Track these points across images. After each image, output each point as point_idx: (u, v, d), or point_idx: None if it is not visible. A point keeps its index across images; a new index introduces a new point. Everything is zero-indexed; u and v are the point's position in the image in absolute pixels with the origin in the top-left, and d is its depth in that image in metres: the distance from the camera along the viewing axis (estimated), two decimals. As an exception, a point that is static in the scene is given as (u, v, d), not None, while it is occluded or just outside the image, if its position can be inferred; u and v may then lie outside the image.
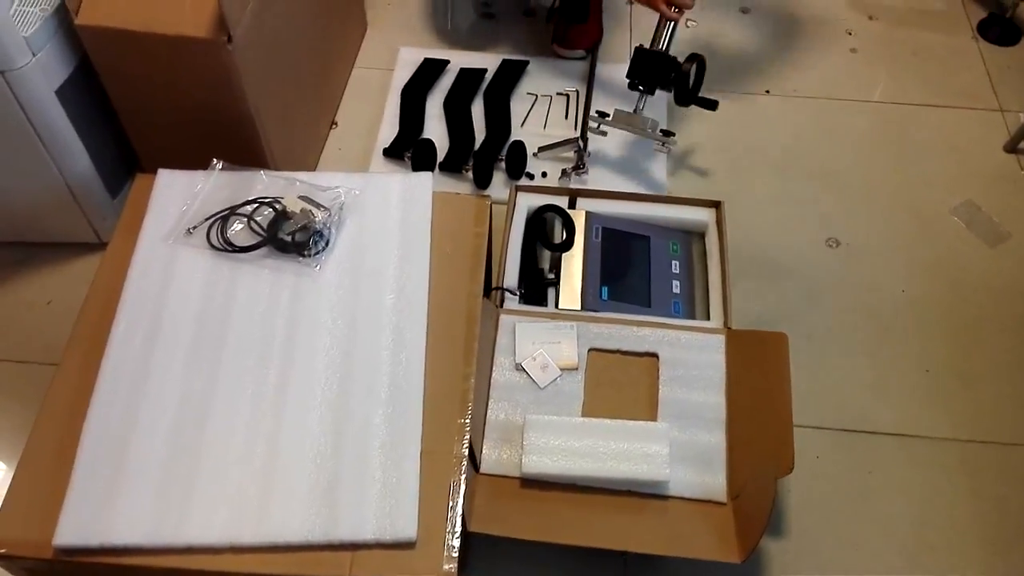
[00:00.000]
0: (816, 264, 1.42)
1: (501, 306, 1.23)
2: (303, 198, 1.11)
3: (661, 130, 1.47)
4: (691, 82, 1.42)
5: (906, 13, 1.84)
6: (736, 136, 1.60)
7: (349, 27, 1.68)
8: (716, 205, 1.35)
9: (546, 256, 1.34)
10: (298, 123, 1.41)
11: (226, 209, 1.11)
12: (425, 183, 1.17)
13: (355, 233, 1.10)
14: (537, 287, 1.28)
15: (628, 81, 1.44)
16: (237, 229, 1.09)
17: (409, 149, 1.51)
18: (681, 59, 1.40)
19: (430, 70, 1.66)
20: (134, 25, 1.09)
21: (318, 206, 1.10)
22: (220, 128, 1.23)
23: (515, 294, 1.24)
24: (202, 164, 1.30)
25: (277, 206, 1.10)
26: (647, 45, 1.41)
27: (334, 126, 1.60)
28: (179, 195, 1.12)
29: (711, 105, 1.45)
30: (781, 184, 1.53)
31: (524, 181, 1.50)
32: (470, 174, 1.49)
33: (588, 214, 1.35)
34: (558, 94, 1.64)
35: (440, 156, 1.52)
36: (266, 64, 1.22)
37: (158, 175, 1.15)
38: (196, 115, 1.23)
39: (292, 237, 1.08)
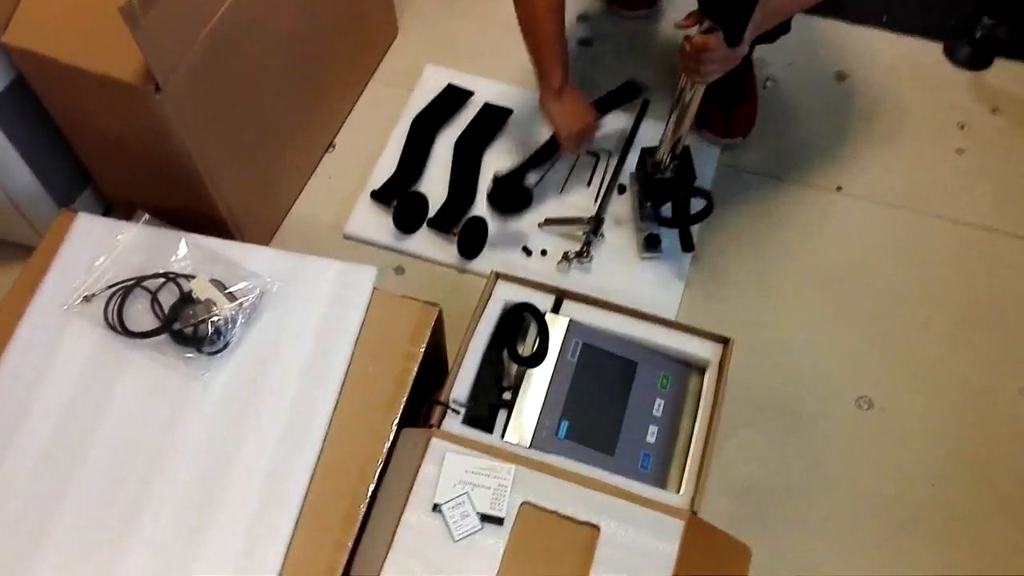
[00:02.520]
0: (837, 427, 1.19)
1: (439, 425, 1.07)
2: (215, 283, 0.98)
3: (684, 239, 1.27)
4: (688, 211, 1.24)
5: (1043, 109, 1.52)
6: (785, 239, 1.36)
7: (369, 35, 1.51)
8: (725, 342, 1.14)
9: (511, 370, 1.17)
10: (268, 158, 1.27)
11: (132, 279, 0.99)
12: (365, 280, 1.02)
13: (267, 334, 0.97)
14: (488, 407, 1.12)
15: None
16: (138, 307, 0.98)
17: (398, 197, 1.35)
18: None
19: (450, 99, 1.48)
20: (59, 54, 0.97)
21: (229, 296, 0.97)
22: (164, 169, 1.11)
23: (458, 412, 1.09)
24: (151, 195, 1.20)
25: (185, 287, 0.98)
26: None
27: (331, 149, 1.45)
28: (92, 247, 1.02)
29: (688, 246, 1.27)
30: (821, 315, 1.30)
31: (521, 258, 1.33)
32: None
33: (571, 323, 1.17)
34: (588, 153, 1.43)
35: (435, 207, 1.35)
36: (217, 107, 1.08)
37: (76, 220, 1.04)
38: (136, 154, 1.10)
39: (193, 329, 0.96)
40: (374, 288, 1.02)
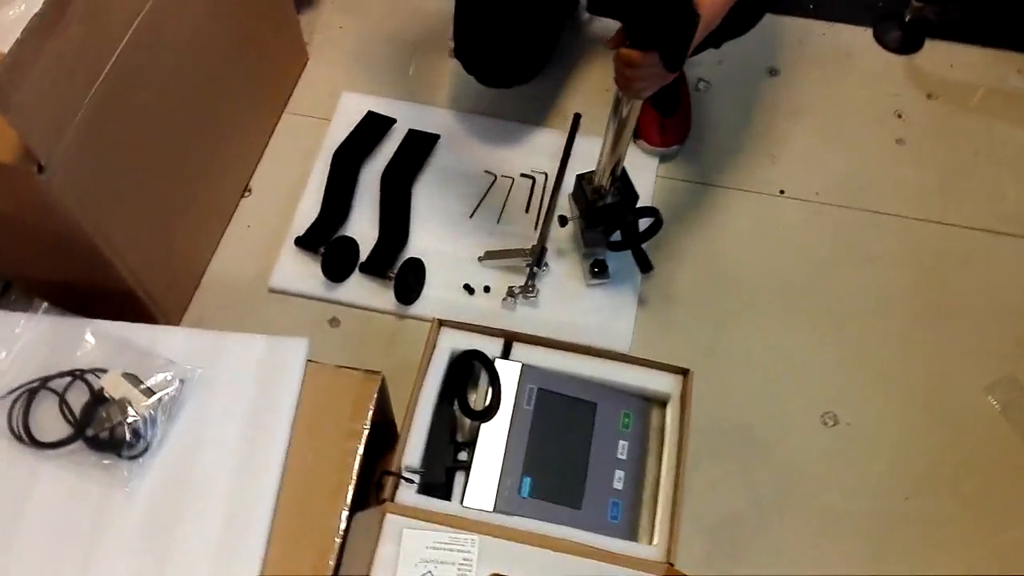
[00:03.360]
0: (804, 447, 1.17)
1: (392, 498, 1.01)
2: (128, 376, 0.89)
3: (640, 260, 1.21)
4: (639, 233, 1.19)
5: (977, 93, 1.51)
6: (733, 250, 1.33)
7: (276, 64, 1.41)
8: (684, 373, 1.09)
9: (465, 423, 1.10)
10: (176, 217, 1.17)
11: (36, 380, 0.89)
12: (296, 354, 0.94)
13: (192, 428, 0.89)
14: (444, 470, 1.05)
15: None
16: (45, 411, 0.88)
17: (325, 243, 1.26)
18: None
19: (371, 128, 1.40)
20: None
21: (146, 392, 0.88)
22: (61, 246, 1.00)
23: (412, 481, 1.02)
24: (53, 272, 1.10)
25: (95, 384, 0.88)
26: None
27: (247, 193, 1.36)
28: (-14, 347, 0.91)
29: (645, 267, 1.21)
30: (776, 327, 1.27)
31: (463, 296, 1.26)
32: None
33: (523, 368, 1.11)
34: (522, 175, 1.37)
35: (366, 250, 1.27)
36: (111, 175, 0.99)
37: (-35, 317, 0.93)
38: (29, 232, 1.00)
39: (109, 432, 0.87)
40: (307, 360, 0.94)
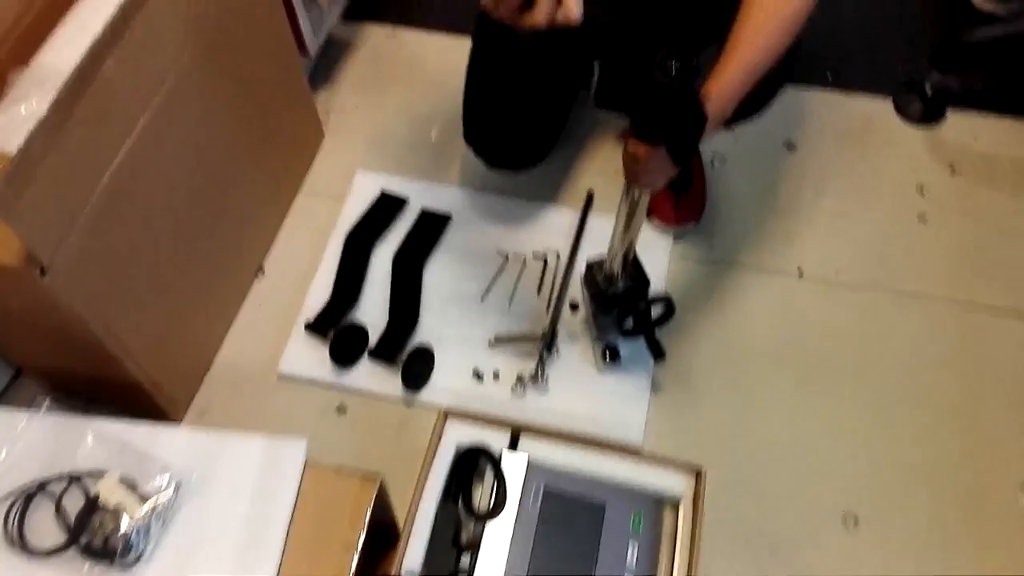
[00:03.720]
0: (824, 551, 1.12)
1: (393, 602, 0.98)
2: (125, 481, 0.88)
3: (652, 347, 1.19)
4: (651, 320, 1.17)
5: (1002, 166, 1.47)
6: (750, 333, 1.30)
7: (293, 145, 1.43)
8: (697, 472, 1.06)
9: (469, 524, 1.08)
10: (184, 307, 1.18)
11: (35, 484, 0.89)
12: (294, 457, 0.93)
13: (186, 535, 0.87)
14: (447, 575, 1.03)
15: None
16: (41, 516, 0.88)
17: (331, 330, 1.26)
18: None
19: (384, 208, 1.40)
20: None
21: (142, 497, 0.87)
22: (68, 340, 1.01)
23: (414, 585, 1.00)
24: (60, 362, 1.10)
25: (92, 490, 0.88)
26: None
27: (260, 275, 1.36)
28: (-13, 445, 0.91)
29: (658, 354, 1.18)
30: (796, 417, 1.22)
31: (473, 383, 1.24)
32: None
33: (530, 464, 1.09)
34: (534, 256, 1.36)
35: (376, 334, 1.27)
36: (116, 272, 1.00)
37: (-33, 416, 0.94)
38: (36, 327, 1.01)
39: (104, 541, 0.86)
40: (306, 463, 0.93)
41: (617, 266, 1.14)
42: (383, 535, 1.05)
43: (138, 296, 1.07)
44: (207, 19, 1.08)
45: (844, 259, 1.36)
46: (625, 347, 1.25)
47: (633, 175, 0.97)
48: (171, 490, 0.89)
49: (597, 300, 1.18)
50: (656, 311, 1.19)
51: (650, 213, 1.39)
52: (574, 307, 1.20)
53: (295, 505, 0.91)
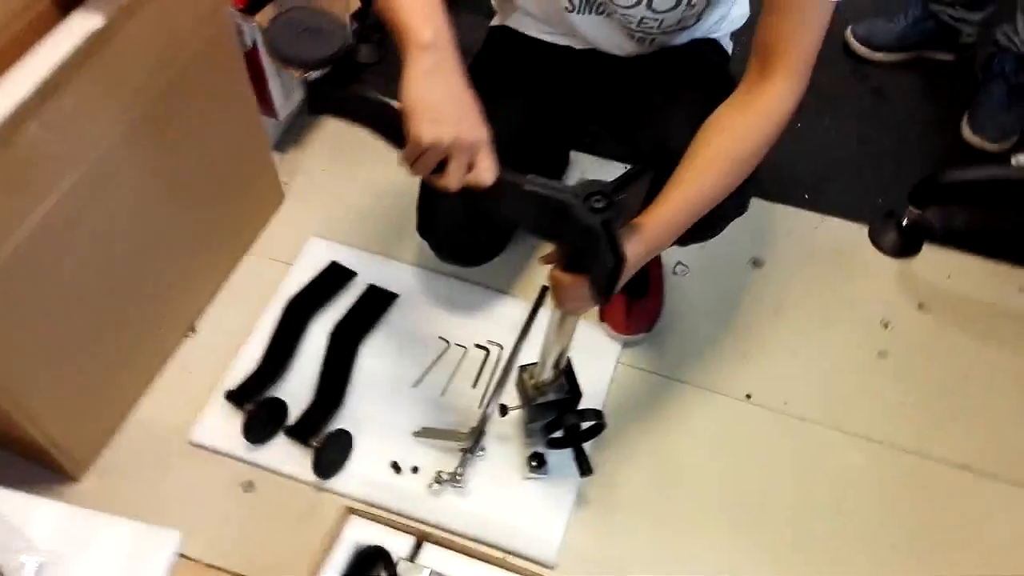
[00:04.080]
0: None
1: None
2: (-20, 557, 0.83)
3: (579, 462, 1.14)
4: (579, 433, 1.13)
5: (972, 309, 1.43)
6: (688, 455, 1.24)
7: (249, 204, 1.40)
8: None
9: (353, 631, 1.02)
10: (100, 364, 1.14)
11: None
12: (165, 548, 0.87)
13: (36, 621, 0.82)
14: None
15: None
16: None
17: (251, 401, 1.21)
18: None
19: (331, 279, 1.37)
20: None
21: (-6, 575, 0.82)
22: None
23: None
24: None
25: (-56, 562, 0.83)
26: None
27: (191, 334, 1.32)
28: None
29: (585, 470, 1.13)
30: (725, 550, 1.16)
31: (389, 474, 1.18)
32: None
33: (431, 573, 1.03)
34: (477, 346, 1.32)
35: (299, 409, 1.22)
36: (17, 333, 0.96)
37: None
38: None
39: (-56, 617, 0.80)
40: (179, 556, 0.88)
41: (548, 374, 1.10)
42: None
43: (43, 358, 1.03)
44: (157, 84, 1.06)
45: (796, 389, 1.31)
46: (554, 455, 1.20)
47: (558, 300, 0.94)
48: (33, 571, 0.84)
49: (526, 407, 1.13)
50: (586, 423, 1.14)
51: (602, 316, 1.35)
52: (503, 411, 1.15)
53: (160, 600, 0.86)
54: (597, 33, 1.13)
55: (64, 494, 1.16)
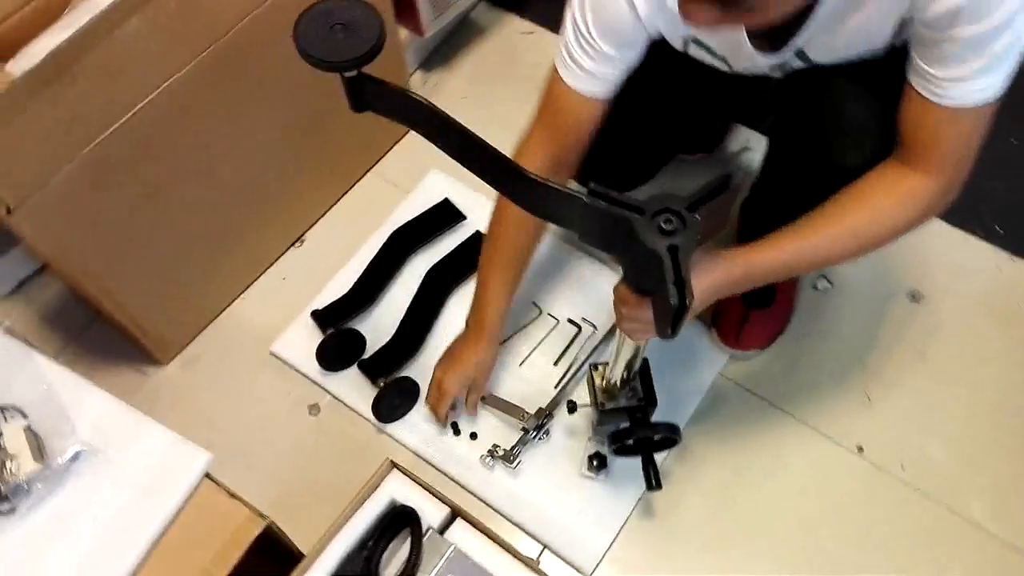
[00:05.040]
0: None
1: (256, 638, 0.94)
2: (30, 433, 0.88)
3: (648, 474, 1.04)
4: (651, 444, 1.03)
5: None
6: (767, 498, 1.12)
7: (372, 122, 1.34)
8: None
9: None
10: (198, 262, 1.17)
11: (-39, 398, 0.91)
12: (195, 466, 0.89)
13: (64, 507, 0.86)
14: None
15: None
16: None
17: (335, 325, 1.21)
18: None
19: (440, 217, 1.32)
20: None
21: (40, 454, 0.87)
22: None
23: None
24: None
25: (3, 427, 0.88)
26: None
27: (299, 244, 1.33)
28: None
29: (653, 484, 1.03)
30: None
31: (447, 434, 1.15)
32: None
33: (454, 554, 0.99)
34: (570, 321, 1.23)
35: (377, 344, 1.21)
36: (104, 220, 0.98)
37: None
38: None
39: (-9, 480, 0.86)
40: (206, 476, 0.89)
41: (618, 378, 1.00)
42: (286, 556, 1.01)
43: (136, 249, 1.07)
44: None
45: (920, 454, 1.13)
46: (620, 460, 1.12)
47: (618, 317, 0.85)
48: (70, 455, 0.89)
49: (594, 408, 1.04)
50: (658, 436, 1.04)
51: (713, 319, 1.22)
52: (572, 407, 1.08)
53: (175, 516, 0.88)
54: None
55: (148, 374, 1.23)
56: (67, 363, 1.21)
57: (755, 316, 1.19)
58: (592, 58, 0.87)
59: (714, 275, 0.80)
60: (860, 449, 1.14)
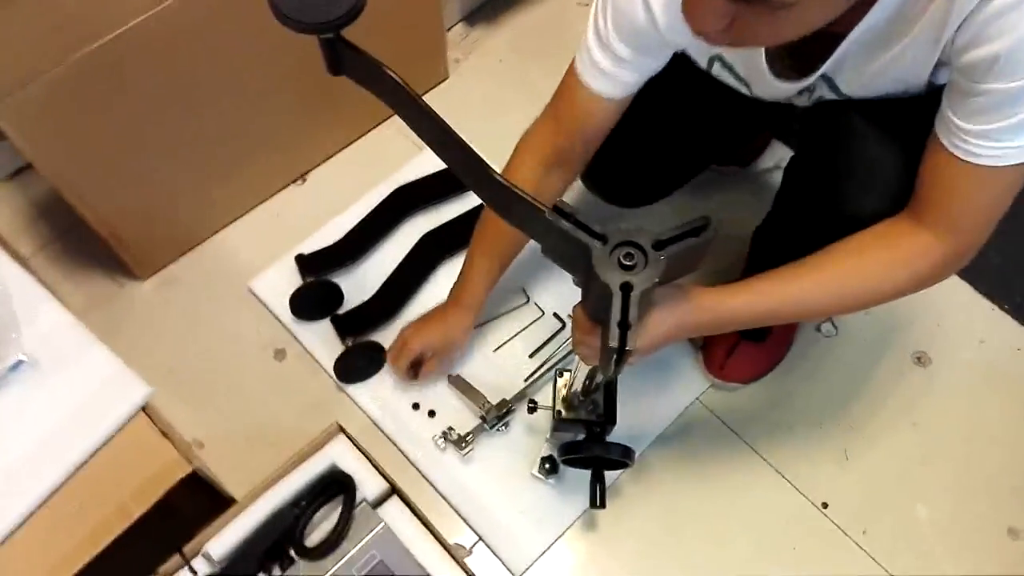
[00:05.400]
0: None
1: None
2: (-26, 332, 0.87)
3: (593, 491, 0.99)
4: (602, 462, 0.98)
5: None
6: (718, 543, 1.07)
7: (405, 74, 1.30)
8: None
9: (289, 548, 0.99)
10: (187, 182, 1.14)
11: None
12: (133, 397, 0.87)
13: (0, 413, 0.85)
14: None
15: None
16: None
17: (317, 274, 1.18)
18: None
19: (445, 182, 1.27)
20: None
21: (-23, 352, 0.86)
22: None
23: (197, 574, 0.94)
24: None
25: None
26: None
27: (300, 181, 1.30)
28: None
29: (596, 502, 0.98)
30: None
31: (405, 407, 1.12)
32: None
33: (380, 534, 0.98)
34: (555, 315, 1.19)
35: (354, 301, 1.18)
36: (90, 129, 0.96)
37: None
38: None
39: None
40: (142, 410, 0.88)
41: (578, 390, 0.96)
42: (218, 497, 1.00)
43: (123, 165, 1.04)
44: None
45: (889, 526, 1.07)
46: (571, 469, 1.08)
47: (573, 336, 0.80)
48: (8, 366, 0.87)
49: (553, 413, 1.00)
50: (615, 455, 1.00)
51: (703, 342, 1.17)
52: (532, 407, 1.04)
53: (105, 442, 0.87)
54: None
55: (124, 286, 1.22)
56: (48, 259, 1.23)
57: (745, 349, 1.13)
58: (609, 59, 0.81)
59: (677, 316, 0.74)
60: (825, 505, 1.09)
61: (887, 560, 1.06)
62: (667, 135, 1.03)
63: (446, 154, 0.68)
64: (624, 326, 0.57)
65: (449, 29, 1.46)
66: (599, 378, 0.93)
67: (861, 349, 1.19)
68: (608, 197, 1.15)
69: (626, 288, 0.58)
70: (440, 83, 1.39)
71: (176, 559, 0.94)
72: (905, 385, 1.17)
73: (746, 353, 1.14)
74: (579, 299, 0.72)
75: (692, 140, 1.06)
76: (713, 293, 0.77)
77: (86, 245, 1.22)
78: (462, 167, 0.66)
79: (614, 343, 0.58)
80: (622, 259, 0.59)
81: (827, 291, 0.77)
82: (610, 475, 1.06)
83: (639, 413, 1.12)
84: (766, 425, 1.14)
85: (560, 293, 1.21)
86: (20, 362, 0.87)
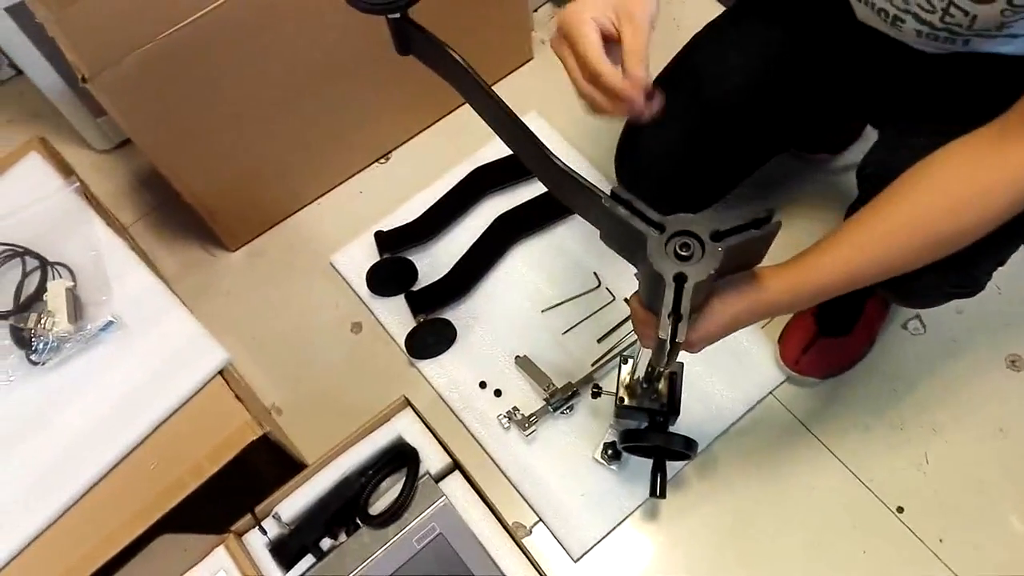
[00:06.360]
0: None
1: (241, 535, 0.96)
2: (71, 294, 0.91)
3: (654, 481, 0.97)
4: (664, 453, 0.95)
5: None
6: (782, 544, 1.03)
7: (482, 52, 1.28)
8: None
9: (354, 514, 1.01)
10: (272, 158, 1.16)
11: (20, 248, 0.95)
12: (211, 361, 0.91)
13: (88, 370, 0.90)
14: (300, 547, 0.98)
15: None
16: (6, 278, 0.94)
17: (394, 250, 1.19)
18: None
19: (522, 165, 1.24)
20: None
21: (74, 315, 0.90)
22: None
23: (265, 532, 0.97)
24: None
25: (46, 281, 0.92)
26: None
27: (384, 160, 1.31)
28: (24, 191, 0.98)
29: (656, 491, 0.95)
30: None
31: (472, 385, 1.12)
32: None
33: (442, 509, 0.98)
34: (626, 300, 1.15)
35: (430, 278, 1.19)
36: (186, 107, 0.99)
37: (25, 158, 1.01)
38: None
39: (30, 332, 0.90)
40: (219, 373, 0.91)
41: (640, 377, 0.93)
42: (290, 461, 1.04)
43: (213, 140, 1.07)
44: None
45: (964, 532, 1.01)
46: (634, 457, 1.06)
47: (633, 325, 0.77)
48: (100, 326, 0.92)
49: (616, 399, 0.98)
50: (676, 446, 0.98)
51: (782, 332, 1.12)
52: (596, 392, 1.02)
53: (183, 403, 0.91)
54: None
55: (216, 256, 1.27)
56: (147, 227, 1.29)
57: (824, 343, 1.08)
58: None
59: (745, 301, 0.68)
60: (900, 509, 1.03)
61: (963, 570, 0.99)
62: (752, 109, 0.95)
63: (507, 135, 0.67)
64: (676, 317, 0.55)
65: (536, 10, 1.44)
66: (662, 369, 0.91)
67: (950, 349, 1.12)
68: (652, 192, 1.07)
69: (680, 279, 0.56)
70: (525, 63, 1.37)
71: (248, 519, 0.97)
72: (995, 389, 1.09)
73: (825, 348, 1.08)
74: (647, 286, 0.70)
75: (778, 115, 0.99)
76: (780, 274, 0.69)
77: (181, 216, 1.27)
78: (522, 148, 0.65)
79: (664, 334, 0.56)
80: (678, 249, 0.56)
81: (917, 245, 0.66)
82: (674, 466, 1.04)
83: (708, 404, 1.09)
84: (841, 424, 1.09)
85: (632, 279, 1.17)
86: (110, 322, 0.92)
